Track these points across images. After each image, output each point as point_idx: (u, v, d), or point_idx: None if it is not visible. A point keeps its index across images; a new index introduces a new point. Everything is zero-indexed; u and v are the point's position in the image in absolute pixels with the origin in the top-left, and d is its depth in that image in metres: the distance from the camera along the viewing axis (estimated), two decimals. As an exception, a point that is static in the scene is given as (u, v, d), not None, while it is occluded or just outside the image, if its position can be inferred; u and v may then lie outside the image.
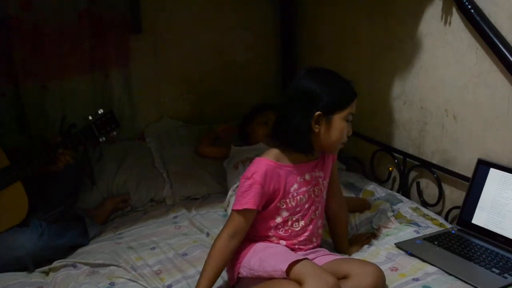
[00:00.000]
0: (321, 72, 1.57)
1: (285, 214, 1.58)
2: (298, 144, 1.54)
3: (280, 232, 1.59)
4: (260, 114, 2.40)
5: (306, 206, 1.61)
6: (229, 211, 2.06)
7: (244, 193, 1.50)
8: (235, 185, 2.14)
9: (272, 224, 1.58)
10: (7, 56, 2.18)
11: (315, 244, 1.66)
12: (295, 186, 1.57)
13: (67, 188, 2.08)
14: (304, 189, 1.59)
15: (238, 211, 1.51)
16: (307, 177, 1.60)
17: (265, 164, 1.53)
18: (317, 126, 1.51)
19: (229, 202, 2.12)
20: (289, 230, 1.59)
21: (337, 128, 1.52)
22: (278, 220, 1.58)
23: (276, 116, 1.61)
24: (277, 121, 1.58)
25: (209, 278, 1.47)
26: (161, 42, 2.54)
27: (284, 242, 1.59)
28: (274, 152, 1.57)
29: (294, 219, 1.59)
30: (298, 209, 1.59)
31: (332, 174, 1.70)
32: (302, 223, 1.60)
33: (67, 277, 1.71)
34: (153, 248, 1.88)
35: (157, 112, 2.63)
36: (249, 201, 1.49)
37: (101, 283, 1.65)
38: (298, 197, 1.58)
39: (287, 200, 1.57)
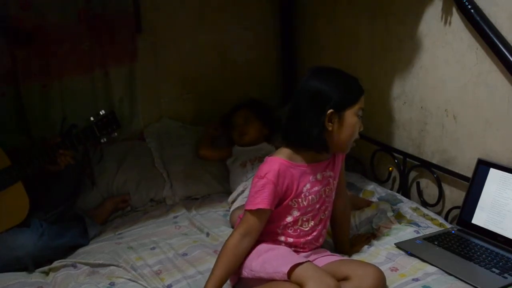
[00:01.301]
0: (327, 70, 1.58)
1: (296, 213, 1.58)
2: (314, 143, 1.53)
3: (289, 231, 1.59)
4: (235, 114, 2.43)
5: (317, 206, 1.61)
6: (234, 206, 2.07)
7: (257, 193, 1.50)
8: (244, 182, 2.15)
9: (282, 223, 1.58)
10: (7, 56, 2.18)
11: (318, 244, 1.66)
12: (308, 185, 1.57)
13: (68, 188, 2.08)
14: (316, 188, 1.59)
15: (251, 211, 1.50)
16: (318, 176, 1.60)
17: (278, 163, 1.53)
18: (330, 124, 1.51)
19: (235, 199, 2.12)
20: (298, 230, 1.60)
21: (350, 124, 1.53)
22: (289, 219, 1.58)
23: (285, 117, 1.60)
24: (288, 123, 1.57)
25: (219, 277, 1.46)
26: (161, 42, 2.54)
27: (291, 240, 1.59)
28: (287, 151, 1.57)
29: (304, 219, 1.59)
30: (309, 209, 1.59)
31: (340, 173, 1.70)
32: (311, 223, 1.61)
33: (67, 277, 1.71)
34: (153, 248, 1.88)
35: (157, 112, 2.62)
36: (263, 201, 1.49)
37: (101, 283, 1.65)
38: (310, 197, 1.58)
39: (299, 200, 1.57)
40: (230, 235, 1.52)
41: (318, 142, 1.53)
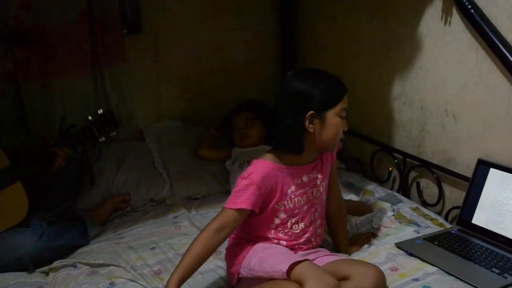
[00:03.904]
0: (308, 72, 1.58)
1: (283, 215, 1.58)
2: (291, 145, 1.53)
3: (280, 234, 1.59)
4: (235, 116, 2.42)
5: (305, 208, 1.61)
6: None
7: (238, 192, 1.49)
8: None
9: (271, 226, 1.58)
10: (8, 56, 2.18)
11: (314, 243, 1.66)
12: (292, 188, 1.57)
13: (68, 189, 2.08)
14: (301, 191, 1.59)
15: (231, 209, 1.49)
16: (304, 179, 1.59)
17: (263, 165, 1.53)
18: (311, 125, 1.50)
19: None
20: (289, 232, 1.59)
21: (332, 125, 1.52)
22: (277, 221, 1.58)
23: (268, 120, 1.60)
24: (271, 126, 1.57)
25: (188, 267, 1.42)
26: (161, 42, 2.54)
27: (284, 243, 1.59)
28: (271, 155, 1.57)
29: (293, 221, 1.59)
30: (296, 211, 1.59)
31: (331, 174, 1.70)
32: (302, 225, 1.60)
33: (67, 277, 1.71)
34: (153, 248, 1.88)
35: (157, 112, 2.63)
36: (244, 201, 1.48)
37: (101, 283, 1.65)
38: (296, 199, 1.58)
39: (285, 202, 1.57)
40: (206, 228, 1.48)
41: (295, 144, 1.52)
